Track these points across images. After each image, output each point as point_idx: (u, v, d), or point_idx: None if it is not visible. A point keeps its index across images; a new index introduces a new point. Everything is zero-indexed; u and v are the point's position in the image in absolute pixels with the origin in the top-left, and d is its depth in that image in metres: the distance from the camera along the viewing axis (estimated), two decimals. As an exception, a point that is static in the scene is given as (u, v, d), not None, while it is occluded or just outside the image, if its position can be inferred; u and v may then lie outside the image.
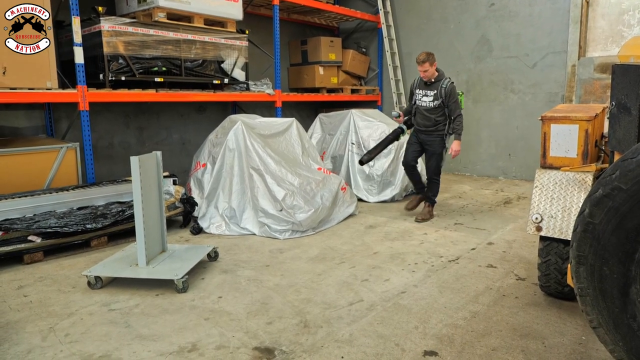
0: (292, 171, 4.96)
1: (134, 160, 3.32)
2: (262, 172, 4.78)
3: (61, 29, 5.50)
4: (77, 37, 4.77)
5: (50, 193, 4.30)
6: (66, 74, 5.23)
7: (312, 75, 8.42)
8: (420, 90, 5.00)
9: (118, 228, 4.37)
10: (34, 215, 4.04)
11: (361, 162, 5.03)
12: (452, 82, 4.90)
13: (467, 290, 3.32)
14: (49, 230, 3.91)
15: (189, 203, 4.92)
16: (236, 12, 6.24)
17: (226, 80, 6.31)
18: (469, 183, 7.53)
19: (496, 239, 4.51)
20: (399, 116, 5.17)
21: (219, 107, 7.80)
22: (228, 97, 6.52)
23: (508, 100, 7.74)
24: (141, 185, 3.36)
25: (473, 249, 4.24)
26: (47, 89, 4.60)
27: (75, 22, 4.74)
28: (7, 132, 5.56)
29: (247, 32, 6.56)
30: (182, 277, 3.29)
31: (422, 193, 5.31)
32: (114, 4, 5.91)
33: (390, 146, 6.57)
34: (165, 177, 4.78)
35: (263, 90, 6.92)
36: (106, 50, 5.06)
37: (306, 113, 9.36)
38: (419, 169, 5.41)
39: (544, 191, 2.86)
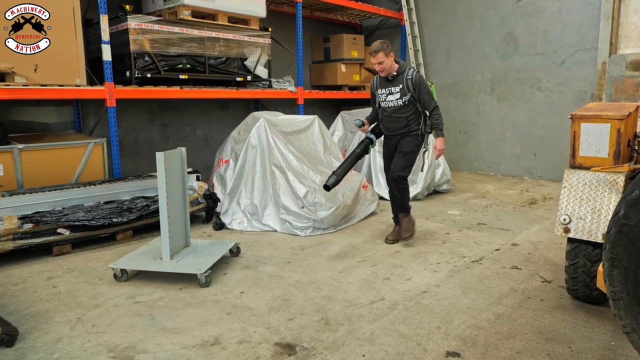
0: (314, 168, 4.96)
1: (160, 156, 3.37)
2: (284, 169, 4.79)
3: (89, 27, 5.61)
4: (105, 35, 4.86)
5: (79, 187, 4.41)
6: (94, 71, 5.34)
7: (334, 73, 8.41)
8: (383, 89, 4.19)
9: (143, 222, 4.45)
10: (63, 208, 4.15)
11: (327, 188, 4.03)
12: (418, 71, 4.17)
13: (490, 291, 3.27)
14: (77, 223, 4.00)
15: (211, 199, 4.97)
16: (259, 9, 6.27)
17: (249, 78, 6.35)
18: (493, 183, 7.41)
19: (521, 240, 4.42)
20: (363, 125, 4.31)
21: (241, 104, 7.86)
22: (251, 94, 6.56)
23: (534, 98, 7.58)
24: (166, 181, 3.41)
25: (497, 249, 4.17)
26: (76, 86, 4.71)
27: (104, 20, 4.83)
28: (37, 127, 5.71)
29: (270, 29, 6.59)
30: (205, 272, 3.32)
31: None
32: (141, 2, 6.00)
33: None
34: (188, 173, 4.84)
35: (285, 87, 6.94)
36: (133, 47, 5.15)
37: (328, 110, 9.35)
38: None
39: (572, 192, 2.79)
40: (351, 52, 8.40)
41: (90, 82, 5.07)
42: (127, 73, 5.27)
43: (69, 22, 4.59)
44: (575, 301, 3.08)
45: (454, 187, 6.94)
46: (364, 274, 3.60)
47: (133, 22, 5.14)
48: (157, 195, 4.47)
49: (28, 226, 3.81)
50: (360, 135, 6.52)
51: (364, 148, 4.27)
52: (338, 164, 5.42)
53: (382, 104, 4.24)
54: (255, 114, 5.61)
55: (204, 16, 5.83)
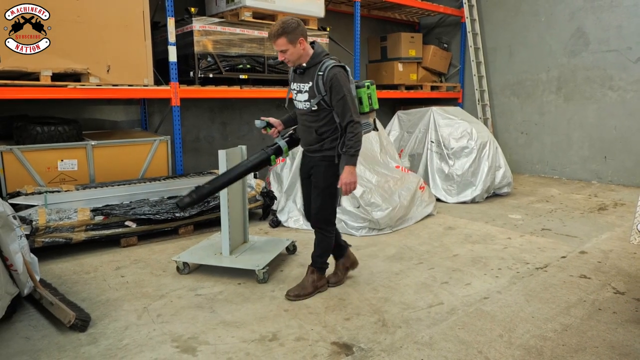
0: (370, 168, 4.93)
1: (222, 153, 3.47)
2: (340, 168, 4.79)
3: (156, 29, 5.87)
4: (172, 37, 5.07)
5: (145, 182, 4.63)
6: (158, 72, 5.57)
7: (390, 72, 8.31)
8: (295, 85, 3.06)
9: (203, 218, 4.60)
10: (130, 202, 4.37)
11: (178, 206, 3.11)
12: (340, 66, 2.88)
13: (557, 300, 3.11)
14: (143, 216, 4.20)
15: (268, 196, 5.06)
16: (318, 9, 6.31)
17: (306, 77, 6.39)
18: (557, 187, 7.04)
19: (590, 248, 4.17)
20: (268, 126, 3.25)
21: (297, 104, 7.93)
22: (307, 93, 6.60)
23: (605, 98, 7.11)
24: (227, 178, 3.50)
25: (563, 257, 3.95)
26: (144, 86, 4.95)
27: (170, 23, 5.04)
28: (107, 125, 6.06)
29: (328, 29, 6.61)
30: (263, 268, 3.39)
31: (343, 255, 3.42)
32: (204, 5, 6.21)
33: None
34: (247, 170, 4.95)
35: (342, 87, 6.92)
36: (197, 49, 5.34)
37: (384, 110, 9.23)
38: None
39: (653, 198, 2.59)
40: (409, 50, 8.27)
41: (157, 82, 5.30)
42: (191, 73, 5.47)
43: (138, 25, 4.83)
44: (653, 316, 2.87)
45: (515, 190, 6.65)
46: (421, 276, 3.53)
47: (197, 24, 5.33)
48: (217, 192, 4.62)
49: (99, 218, 4.04)
50: (401, 136, 6.38)
51: (263, 159, 3.15)
52: (394, 165, 5.35)
53: (295, 104, 3.13)
54: (312, 113, 5.63)
55: (263, 17, 5.94)
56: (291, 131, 3.28)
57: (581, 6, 7.23)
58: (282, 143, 3.20)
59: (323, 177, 3.03)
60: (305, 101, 2.97)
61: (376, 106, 3.06)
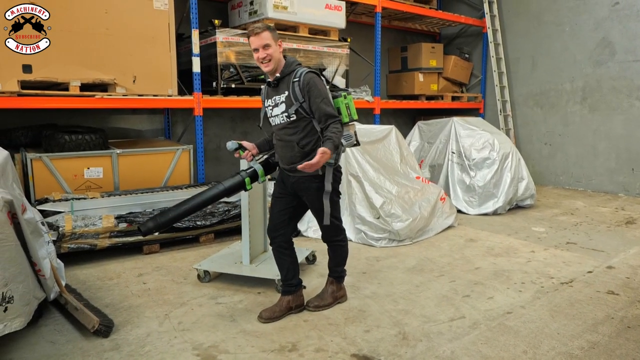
0: (391, 179, 4.90)
1: (244, 162, 3.49)
2: (361, 178, 4.78)
3: (181, 41, 5.99)
4: (196, 48, 5.17)
5: (167, 191, 4.70)
6: (182, 82, 5.68)
7: (411, 82, 8.30)
8: (270, 100, 2.92)
9: (224, 226, 4.64)
10: (153, 210, 4.43)
11: (140, 231, 2.82)
12: (313, 71, 2.84)
13: (583, 317, 3.03)
14: (165, 224, 4.25)
15: (288, 206, 5.07)
16: (339, 20, 6.35)
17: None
18: (583, 199, 6.88)
19: (617, 263, 4.05)
20: (240, 148, 3.03)
21: (317, 114, 7.97)
22: (328, 103, 6.63)
23: (633, 108, 6.96)
24: (248, 187, 3.53)
25: (589, 272, 3.85)
26: (168, 96, 5.04)
27: (195, 34, 5.14)
28: (132, 134, 6.19)
29: (349, 40, 6.65)
30: (282, 278, 3.38)
31: (291, 292, 3.07)
32: (227, 17, 6.32)
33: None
34: (268, 180, 4.98)
35: (362, 97, 6.95)
36: (220, 60, 5.43)
37: (403, 120, 9.23)
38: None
39: (685, 213, 2.51)
40: (429, 61, 8.25)
41: (180, 93, 5.40)
42: (214, 84, 5.56)
43: (164, 37, 4.94)
44: (685, 335, 2.77)
45: (539, 202, 6.53)
46: (442, 289, 3.49)
47: (221, 36, 5.42)
48: (237, 201, 4.67)
49: (123, 225, 4.12)
50: (435, 148, 6.34)
51: (237, 183, 2.93)
52: (414, 176, 5.31)
53: (271, 121, 2.98)
54: (332, 123, 5.65)
55: (285, 28, 6.01)
56: (267, 155, 3.12)
57: (606, 16, 7.11)
58: (257, 166, 3.01)
59: (318, 200, 2.85)
60: (282, 113, 2.83)
61: (355, 117, 2.91)
